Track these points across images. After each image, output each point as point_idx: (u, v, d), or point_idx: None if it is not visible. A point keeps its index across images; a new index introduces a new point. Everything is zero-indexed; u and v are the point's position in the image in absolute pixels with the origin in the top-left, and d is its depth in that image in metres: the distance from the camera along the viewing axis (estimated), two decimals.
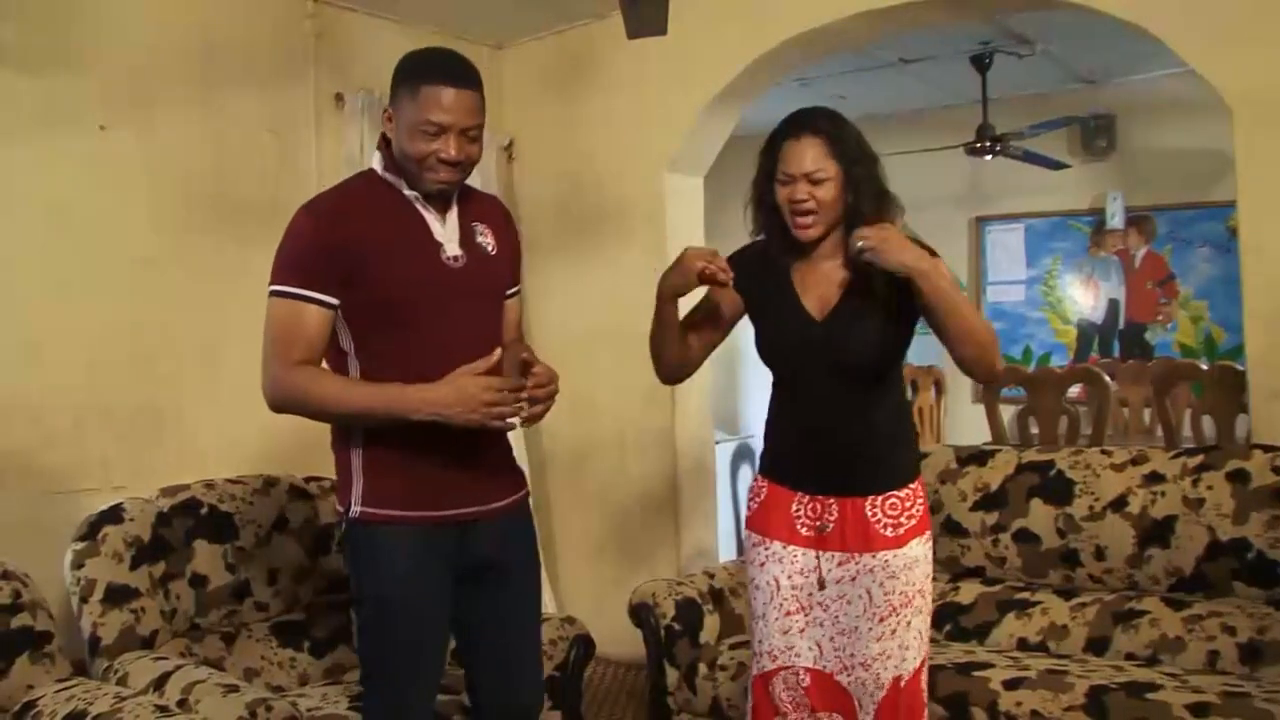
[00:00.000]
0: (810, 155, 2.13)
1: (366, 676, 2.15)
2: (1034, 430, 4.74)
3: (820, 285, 2.22)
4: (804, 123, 2.17)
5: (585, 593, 4.39)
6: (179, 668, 2.48)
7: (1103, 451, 3.18)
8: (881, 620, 2.17)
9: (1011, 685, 2.63)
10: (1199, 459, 2.97)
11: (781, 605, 2.24)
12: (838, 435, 2.21)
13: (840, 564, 2.20)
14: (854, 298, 2.18)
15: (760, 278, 2.27)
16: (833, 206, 2.15)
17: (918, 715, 2.22)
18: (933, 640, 3.11)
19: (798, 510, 2.25)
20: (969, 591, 3.22)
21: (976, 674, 2.70)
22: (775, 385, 2.33)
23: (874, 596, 2.17)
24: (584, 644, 3.03)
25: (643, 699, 3.66)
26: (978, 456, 3.33)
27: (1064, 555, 3.08)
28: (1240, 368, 3.70)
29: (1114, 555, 3.00)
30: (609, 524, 4.35)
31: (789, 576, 2.24)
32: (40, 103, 3.11)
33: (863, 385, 2.20)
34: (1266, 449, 2.89)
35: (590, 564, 4.42)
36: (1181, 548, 2.90)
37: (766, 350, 2.31)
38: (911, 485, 2.23)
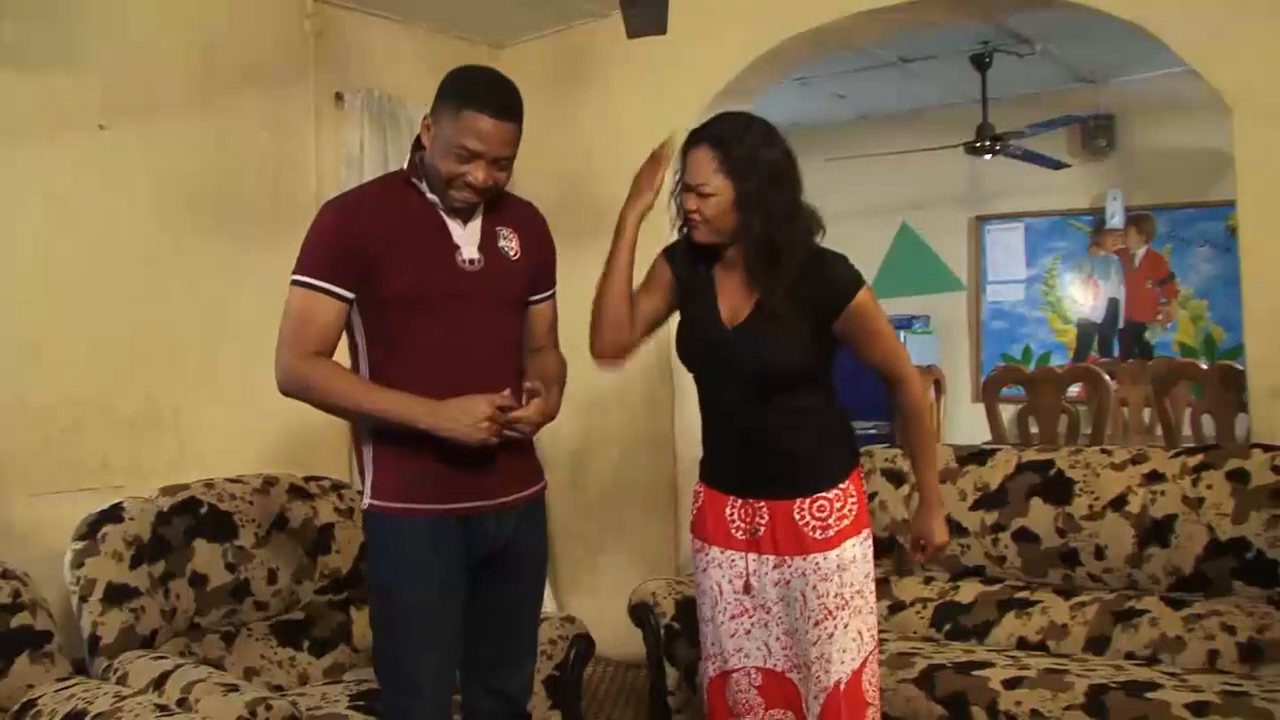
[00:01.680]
0: (698, 169, 2.13)
1: (379, 667, 2.19)
2: (1034, 430, 4.75)
3: (735, 293, 2.21)
4: (702, 133, 2.16)
5: (585, 593, 4.39)
6: (178, 667, 2.48)
7: (1102, 451, 3.18)
8: (817, 624, 2.15)
9: (1011, 684, 2.63)
10: (1199, 458, 2.97)
11: (726, 609, 2.24)
12: (755, 439, 2.20)
13: (775, 567, 2.19)
14: (765, 310, 2.15)
15: (691, 272, 2.28)
16: (722, 220, 2.14)
17: (859, 717, 2.18)
18: (932, 640, 3.12)
19: (731, 514, 2.25)
20: (969, 591, 3.22)
21: (976, 673, 2.70)
22: (698, 389, 2.31)
23: (808, 600, 2.15)
24: (584, 644, 3.03)
25: (643, 699, 3.66)
26: (977, 456, 3.34)
27: (1064, 554, 3.08)
28: (1240, 367, 3.70)
29: (1114, 554, 3.00)
30: (609, 524, 4.35)
31: (729, 581, 2.24)
32: (40, 102, 3.11)
33: (777, 391, 2.18)
34: (1266, 448, 2.90)
35: (590, 564, 4.42)
36: (1181, 547, 2.90)
37: (680, 349, 2.30)
38: (842, 485, 2.19)
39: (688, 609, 3.10)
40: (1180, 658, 2.81)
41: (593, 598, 4.25)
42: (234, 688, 2.35)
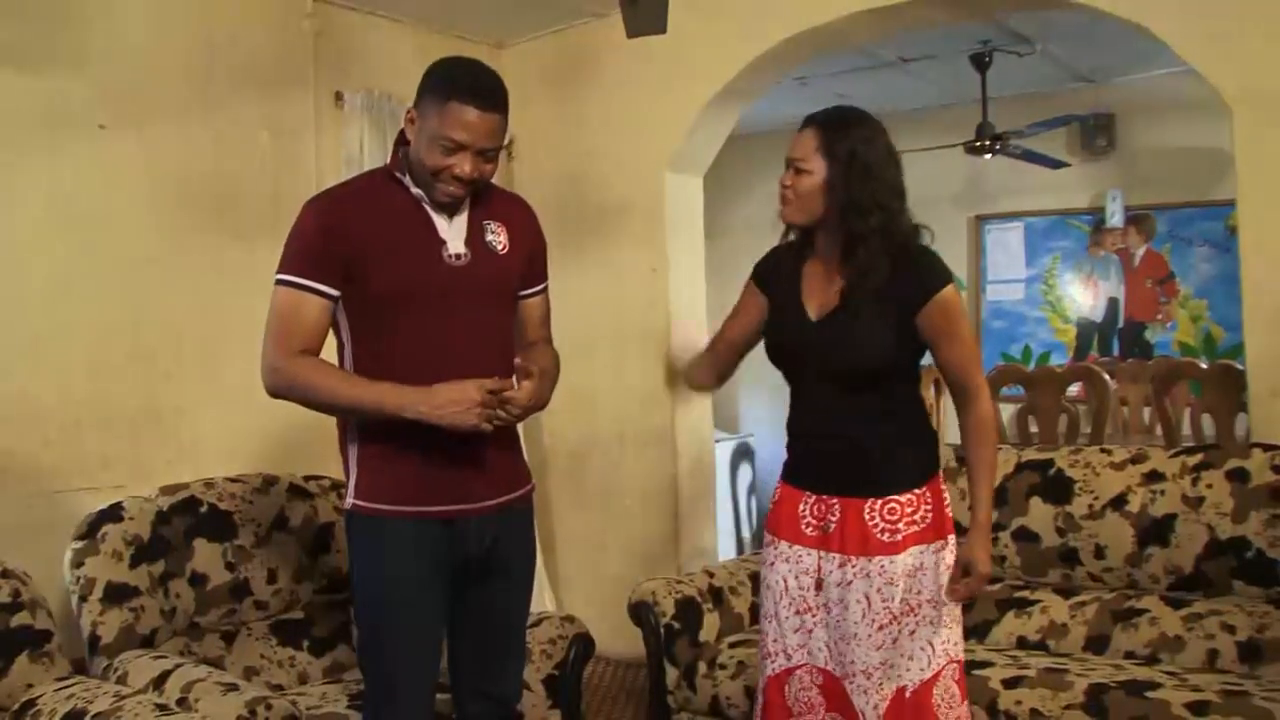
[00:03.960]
0: (800, 145, 2.18)
1: (362, 667, 2.20)
2: (1034, 429, 4.74)
3: (822, 287, 2.23)
4: (814, 116, 2.21)
5: (585, 592, 4.40)
6: (178, 666, 2.48)
7: (1102, 450, 3.18)
8: (881, 628, 2.14)
9: (1011, 684, 2.63)
10: (1198, 457, 2.97)
11: (791, 604, 2.25)
12: (834, 435, 2.22)
13: (839, 566, 2.19)
14: (850, 303, 2.17)
15: (780, 274, 2.32)
16: (811, 200, 2.17)
17: None
18: None
19: (804, 510, 2.26)
20: None
21: (976, 673, 2.69)
22: (789, 384, 2.34)
23: (872, 603, 2.14)
24: (584, 643, 3.03)
25: (643, 698, 3.66)
26: None
27: (1063, 554, 3.08)
28: (1240, 367, 3.70)
29: (1113, 554, 3.00)
30: (609, 523, 4.35)
31: (796, 577, 2.24)
32: (40, 103, 3.11)
33: (859, 388, 2.20)
34: (1266, 447, 2.90)
35: (590, 563, 4.42)
36: (1181, 546, 2.91)
37: (768, 346, 2.33)
38: (917, 491, 2.18)
39: (688, 608, 3.11)
40: (1180, 657, 2.81)
41: (593, 597, 4.25)
42: (234, 687, 2.36)
